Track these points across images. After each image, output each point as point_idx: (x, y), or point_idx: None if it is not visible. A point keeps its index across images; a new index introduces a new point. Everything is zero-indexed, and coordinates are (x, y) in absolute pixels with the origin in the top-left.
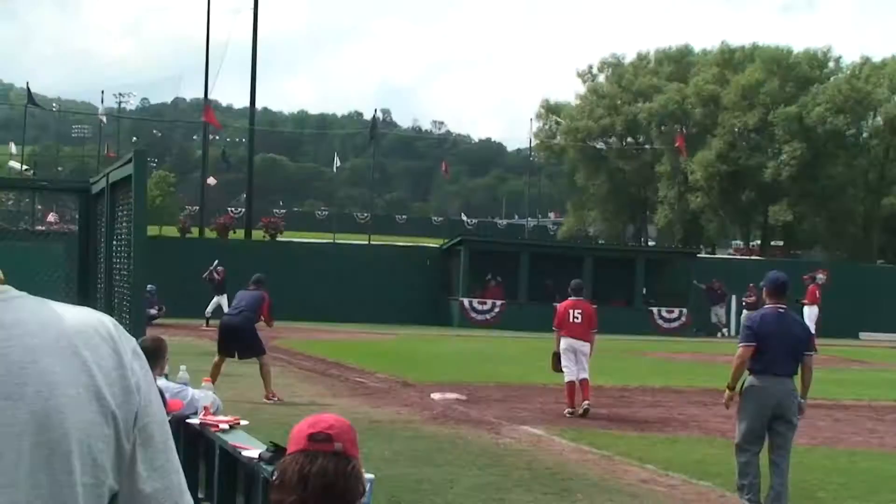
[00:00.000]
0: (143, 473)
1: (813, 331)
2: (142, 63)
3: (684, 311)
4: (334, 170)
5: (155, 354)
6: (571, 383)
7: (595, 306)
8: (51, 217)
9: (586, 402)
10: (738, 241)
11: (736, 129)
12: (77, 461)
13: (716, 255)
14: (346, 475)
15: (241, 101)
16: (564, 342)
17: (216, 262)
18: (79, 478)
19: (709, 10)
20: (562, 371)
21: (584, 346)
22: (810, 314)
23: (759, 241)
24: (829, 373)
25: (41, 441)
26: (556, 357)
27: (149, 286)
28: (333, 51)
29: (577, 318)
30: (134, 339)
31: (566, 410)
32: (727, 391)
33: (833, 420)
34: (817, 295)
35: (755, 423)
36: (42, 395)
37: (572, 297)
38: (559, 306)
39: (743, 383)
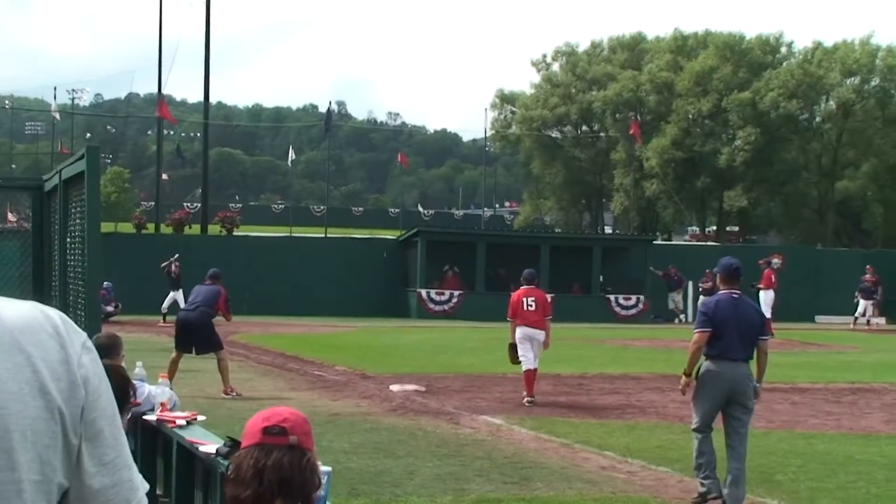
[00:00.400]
0: (90, 469)
1: (769, 315)
2: (95, 58)
3: (641, 297)
4: (289, 163)
5: (110, 351)
6: (529, 371)
7: (552, 294)
8: (10, 216)
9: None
10: (694, 227)
11: (690, 116)
12: (20, 458)
13: (672, 242)
14: (301, 468)
15: (196, 96)
16: (520, 331)
17: (177, 255)
18: (23, 475)
19: None
20: (520, 362)
21: (540, 335)
22: (766, 298)
23: (714, 227)
24: (786, 356)
25: None
26: (514, 348)
27: (105, 283)
28: (287, 43)
29: (532, 306)
30: (84, 333)
31: (525, 399)
32: (683, 377)
33: (790, 403)
34: (773, 279)
35: (711, 408)
36: None
37: (525, 286)
38: (512, 296)
39: (699, 369)
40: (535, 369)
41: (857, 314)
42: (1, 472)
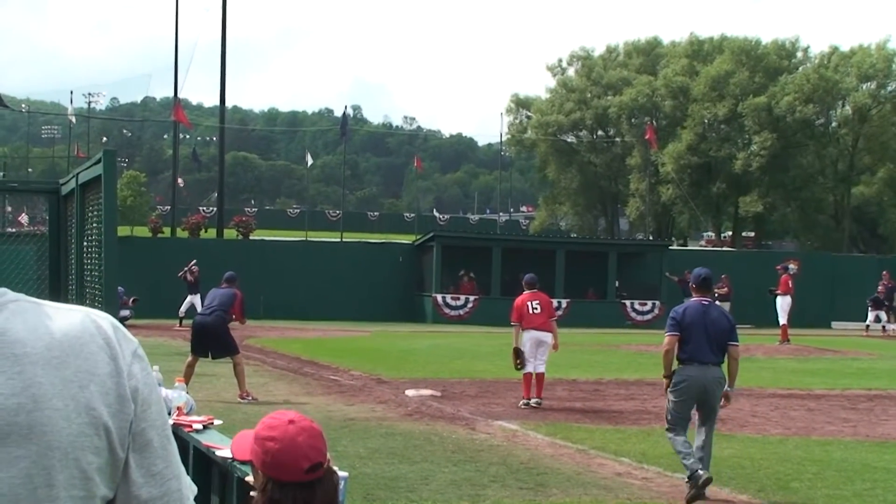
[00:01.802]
0: (138, 480)
1: (785, 321)
2: (111, 62)
3: (657, 303)
4: (306, 167)
5: None
6: (529, 374)
7: (568, 299)
8: (23, 218)
9: (536, 398)
10: (710, 233)
11: (706, 121)
12: (60, 475)
13: (688, 247)
14: (335, 488)
15: (212, 100)
16: (528, 335)
17: (194, 261)
18: (62, 492)
19: (677, 1)
20: (524, 368)
21: (548, 336)
22: (783, 304)
23: (730, 233)
24: (802, 362)
25: (21, 454)
26: (519, 353)
27: (119, 287)
28: (303, 48)
29: (537, 309)
30: (136, 340)
31: (521, 402)
32: (664, 381)
33: (806, 410)
34: (790, 284)
35: (682, 408)
36: (25, 407)
37: (528, 291)
38: (517, 301)
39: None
40: (542, 374)
41: (867, 322)
42: (38, 489)
